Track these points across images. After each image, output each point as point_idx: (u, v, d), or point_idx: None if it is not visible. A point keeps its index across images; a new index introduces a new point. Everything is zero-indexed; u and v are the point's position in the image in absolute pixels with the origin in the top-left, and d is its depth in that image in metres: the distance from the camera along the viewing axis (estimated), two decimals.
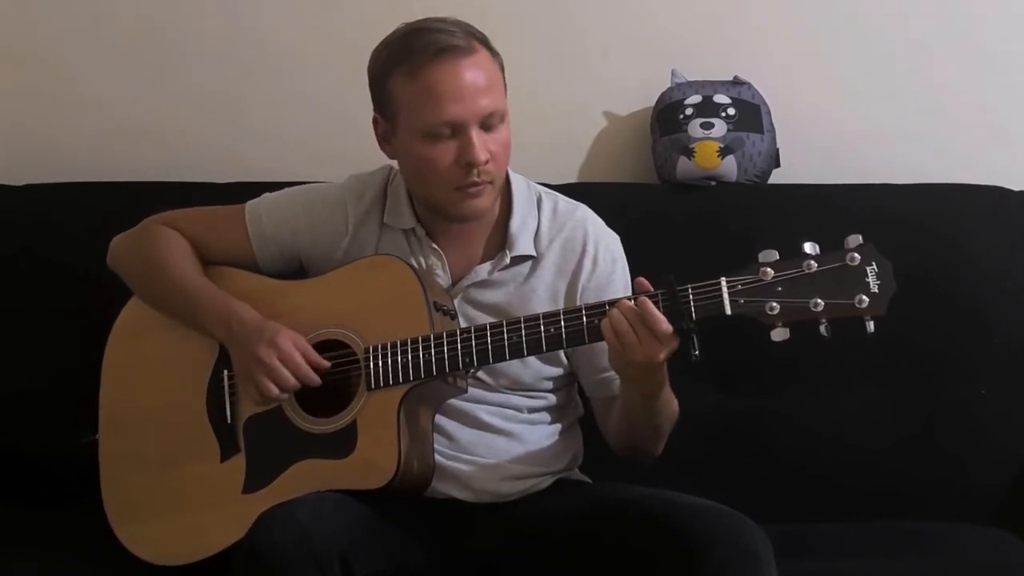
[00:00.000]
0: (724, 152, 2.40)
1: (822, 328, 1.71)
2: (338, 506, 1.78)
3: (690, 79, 2.50)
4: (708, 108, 2.43)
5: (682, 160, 2.41)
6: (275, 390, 1.88)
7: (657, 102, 2.50)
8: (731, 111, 2.43)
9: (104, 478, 2.04)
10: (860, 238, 1.72)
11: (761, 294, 1.72)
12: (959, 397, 2.30)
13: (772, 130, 2.46)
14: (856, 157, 2.51)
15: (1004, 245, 2.35)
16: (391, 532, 1.84)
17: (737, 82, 2.48)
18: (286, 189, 2.09)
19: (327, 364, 1.90)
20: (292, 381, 1.88)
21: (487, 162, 1.87)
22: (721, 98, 2.45)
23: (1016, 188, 2.41)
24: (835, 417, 2.30)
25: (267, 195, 2.08)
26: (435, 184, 1.90)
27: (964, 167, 2.45)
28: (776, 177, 2.47)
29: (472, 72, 1.85)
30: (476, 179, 1.87)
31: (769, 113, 2.46)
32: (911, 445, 2.29)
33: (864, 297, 1.68)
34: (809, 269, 1.71)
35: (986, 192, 2.41)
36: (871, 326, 1.69)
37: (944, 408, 2.30)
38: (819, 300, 1.69)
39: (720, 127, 2.42)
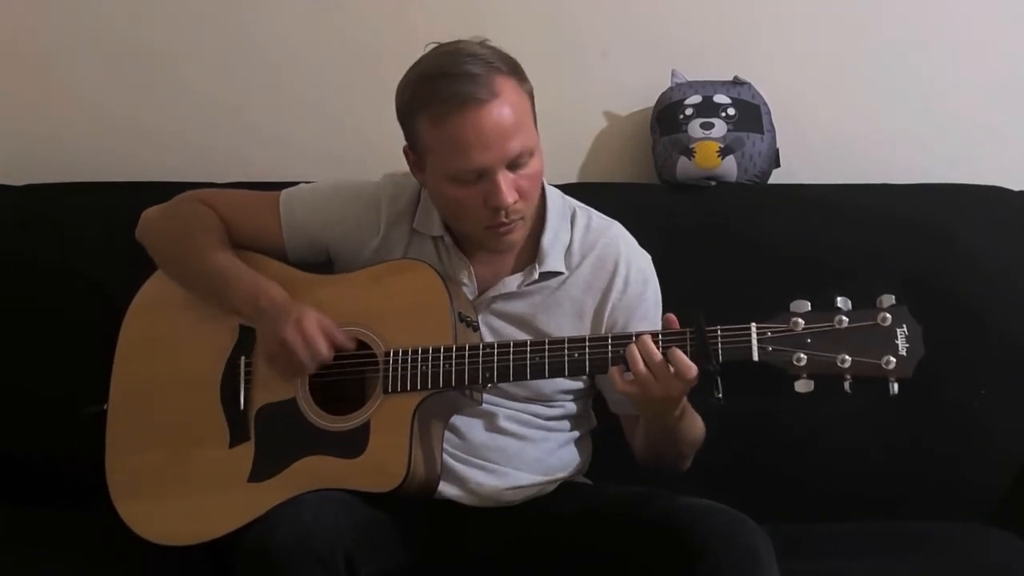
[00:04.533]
0: (724, 152, 2.40)
1: (846, 384, 1.70)
2: (343, 506, 1.78)
3: (690, 79, 2.50)
4: (708, 108, 2.43)
5: (682, 160, 2.42)
6: (295, 369, 1.87)
7: (657, 102, 2.50)
8: (731, 111, 2.43)
9: (109, 452, 2.03)
10: (893, 298, 1.70)
11: (790, 344, 1.71)
12: (959, 397, 2.30)
13: (772, 130, 2.46)
14: (856, 157, 2.51)
15: (1004, 245, 2.36)
16: (395, 533, 1.84)
17: (737, 82, 2.48)
18: (322, 181, 2.09)
19: (351, 346, 1.89)
20: (312, 367, 1.87)
21: (515, 202, 1.86)
22: (721, 98, 2.45)
23: (1016, 188, 2.41)
24: (836, 417, 2.29)
25: (303, 184, 2.08)
26: (465, 222, 1.91)
27: (964, 167, 2.45)
28: (776, 177, 2.48)
29: (497, 115, 1.82)
30: (505, 220, 1.87)
31: (769, 113, 2.46)
32: (911, 445, 2.29)
33: (892, 359, 1.68)
34: (840, 325, 1.70)
35: (986, 192, 2.41)
36: (895, 388, 1.69)
37: (944, 408, 2.30)
38: (847, 357, 1.69)
39: (720, 127, 2.42)
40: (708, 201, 2.42)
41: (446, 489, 1.92)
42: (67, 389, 2.21)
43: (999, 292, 2.33)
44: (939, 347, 2.27)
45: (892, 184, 2.43)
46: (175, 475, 1.96)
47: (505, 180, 1.84)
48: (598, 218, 2.04)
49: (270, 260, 2.02)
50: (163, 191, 2.22)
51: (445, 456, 1.91)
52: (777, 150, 2.47)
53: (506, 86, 1.84)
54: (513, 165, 1.85)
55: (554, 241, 1.98)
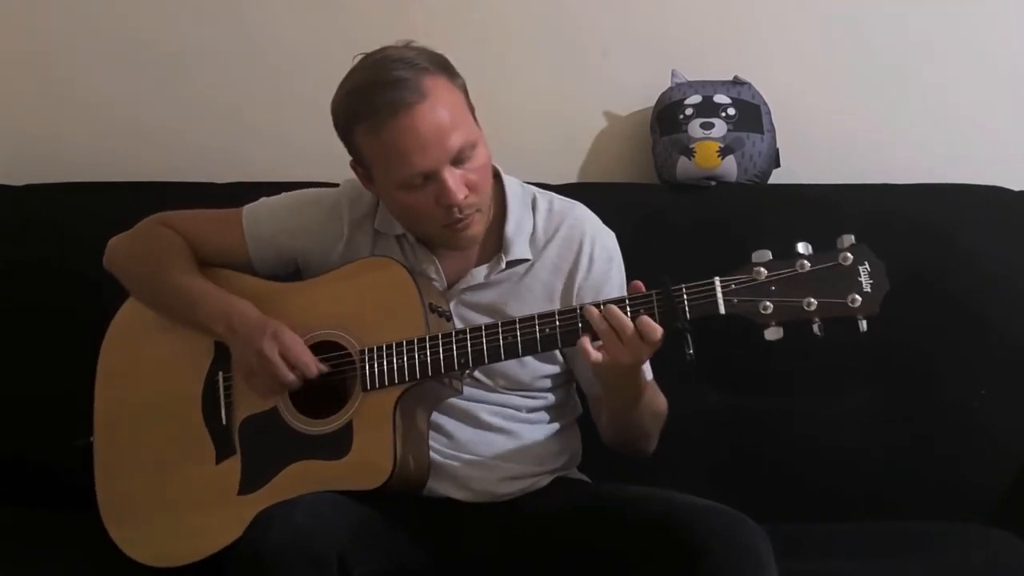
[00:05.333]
0: (724, 152, 2.40)
1: (815, 327, 1.71)
2: (336, 506, 1.78)
3: (690, 79, 2.50)
4: (708, 108, 2.43)
5: (682, 160, 2.42)
6: (275, 385, 1.88)
7: (657, 102, 2.50)
8: (731, 111, 2.43)
9: (99, 480, 2.05)
10: (852, 238, 1.72)
11: (755, 293, 1.72)
12: (958, 397, 2.30)
13: (772, 130, 2.46)
14: (856, 157, 2.51)
15: (1003, 245, 2.35)
16: (389, 532, 1.84)
17: (737, 82, 2.48)
18: (283, 193, 2.10)
19: (324, 368, 1.90)
20: (292, 377, 1.88)
21: (466, 197, 1.87)
22: (721, 98, 2.45)
23: (1016, 188, 2.41)
24: (835, 417, 2.30)
25: (264, 199, 2.09)
26: (423, 225, 1.92)
27: (964, 167, 2.45)
28: (776, 177, 2.48)
29: (432, 117, 1.82)
30: (460, 215, 1.88)
31: (769, 113, 2.46)
32: (911, 445, 2.29)
33: (857, 296, 1.69)
34: (802, 269, 1.71)
35: (986, 192, 2.41)
36: (864, 325, 1.70)
37: (944, 408, 2.30)
38: (812, 299, 1.70)
39: (720, 127, 2.42)
40: (708, 201, 2.42)
41: (439, 486, 1.92)
42: (67, 389, 2.20)
43: (999, 292, 2.33)
44: (939, 347, 2.30)
45: (892, 184, 2.43)
46: (165, 496, 1.97)
47: (452, 177, 1.85)
48: (560, 201, 2.05)
49: (239, 275, 2.03)
50: (163, 191, 2.22)
51: (434, 455, 1.91)
52: (777, 150, 2.47)
53: (436, 85, 1.84)
54: (457, 161, 1.86)
55: (517, 229, 1.98)
